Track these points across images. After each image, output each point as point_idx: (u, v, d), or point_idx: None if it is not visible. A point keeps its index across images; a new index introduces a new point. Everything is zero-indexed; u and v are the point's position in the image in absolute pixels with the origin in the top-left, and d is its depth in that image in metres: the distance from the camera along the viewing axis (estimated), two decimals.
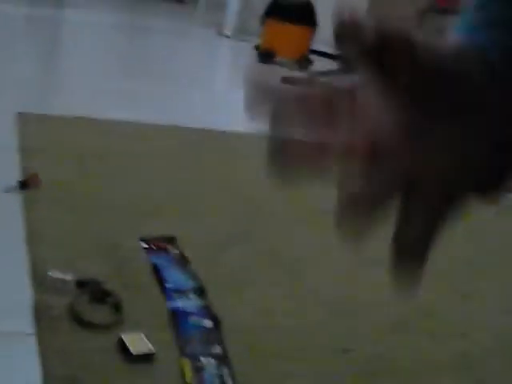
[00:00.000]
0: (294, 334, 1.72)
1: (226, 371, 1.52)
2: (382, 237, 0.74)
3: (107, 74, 4.24)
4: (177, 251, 1.98)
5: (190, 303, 1.72)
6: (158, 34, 6.13)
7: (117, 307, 1.66)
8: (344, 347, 1.71)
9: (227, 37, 6.27)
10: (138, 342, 1.51)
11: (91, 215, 2.16)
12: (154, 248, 1.96)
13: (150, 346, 1.52)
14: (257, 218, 2.39)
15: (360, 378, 1.61)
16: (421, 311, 1.96)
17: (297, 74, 5.07)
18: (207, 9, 7.57)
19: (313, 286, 1.99)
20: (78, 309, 1.62)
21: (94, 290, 1.70)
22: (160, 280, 1.81)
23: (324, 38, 5.90)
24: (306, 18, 5.36)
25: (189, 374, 1.48)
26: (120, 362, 1.48)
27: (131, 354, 1.49)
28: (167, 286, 1.78)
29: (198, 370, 1.50)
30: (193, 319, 1.66)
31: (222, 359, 1.55)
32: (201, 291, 1.78)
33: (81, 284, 1.72)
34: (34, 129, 2.77)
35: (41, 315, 1.59)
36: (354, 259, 2.18)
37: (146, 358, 1.50)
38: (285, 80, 4.86)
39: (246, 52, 5.58)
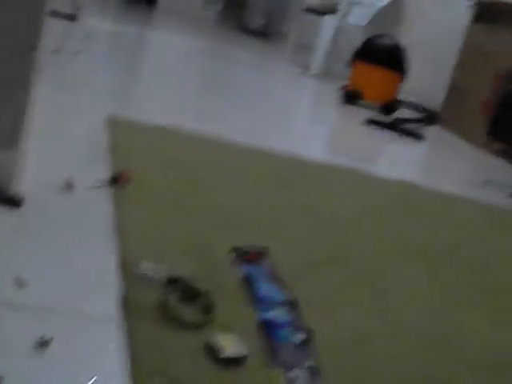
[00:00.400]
0: (387, 358, 1.63)
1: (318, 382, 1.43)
2: None
3: (192, 93, 4.25)
4: (269, 263, 1.91)
5: (281, 315, 1.65)
6: (244, 64, 6.16)
7: (208, 308, 1.60)
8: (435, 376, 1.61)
9: (312, 76, 6.26)
10: (230, 344, 1.44)
11: (181, 217, 2.12)
12: (247, 258, 1.89)
13: (243, 349, 1.45)
14: (349, 241, 2.31)
15: None
16: None
17: (381, 117, 5.00)
18: (295, 48, 7.59)
19: (406, 313, 1.89)
20: (168, 305, 1.56)
21: (186, 289, 1.64)
22: (251, 289, 1.74)
23: (411, 87, 5.84)
24: (396, 62, 5.30)
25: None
26: (209, 363, 1.41)
27: (220, 356, 1.42)
28: (259, 295, 1.71)
29: (291, 381, 1.42)
30: (284, 331, 1.58)
31: (315, 372, 1.46)
32: (293, 304, 1.71)
33: (172, 280, 1.66)
34: (122, 132, 2.76)
35: (130, 305, 1.53)
36: (445, 291, 2.08)
37: (237, 361, 1.43)
38: (368, 122, 4.80)
39: (330, 92, 5.54)
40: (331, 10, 6.60)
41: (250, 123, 3.79)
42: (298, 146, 3.54)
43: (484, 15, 5.44)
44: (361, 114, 5.06)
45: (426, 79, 6.13)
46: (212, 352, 1.43)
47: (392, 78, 5.45)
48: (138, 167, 2.38)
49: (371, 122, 4.86)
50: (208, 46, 6.66)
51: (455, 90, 5.61)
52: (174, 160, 2.63)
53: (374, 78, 5.41)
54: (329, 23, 6.63)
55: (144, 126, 2.96)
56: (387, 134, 4.69)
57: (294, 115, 4.68)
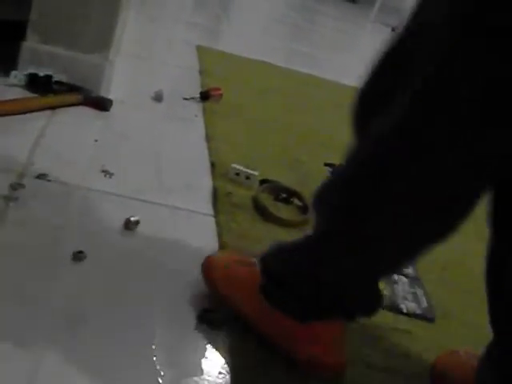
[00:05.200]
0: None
1: (419, 290, 1.33)
2: None
3: (280, 37, 4.16)
4: None
5: None
6: (330, 18, 6.03)
7: (303, 209, 1.51)
8: None
9: None
10: None
11: (271, 133, 2.03)
12: None
13: None
14: None
15: None
16: None
17: None
18: (383, 9, 7.40)
19: None
20: (263, 202, 1.48)
21: (280, 189, 1.56)
22: None
23: None
24: None
25: (382, 284, 1.31)
26: None
27: None
28: None
29: (391, 282, 1.32)
30: None
31: (415, 279, 1.37)
32: None
33: (265, 182, 1.58)
34: (213, 59, 2.70)
35: (222, 201, 1.46)
36: None
37: None
38: None
39: None
40: None
41: (337, 64, 3.68)
42: None
43: None
44: None
45: None
46: None
47: None
48: (228, 90, 2.30)
49: None
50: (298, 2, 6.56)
51: None
52: (263, 88, 2.55)
53: None
54: None
55: (234, 56, 2.88)
56: None
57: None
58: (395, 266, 1.03)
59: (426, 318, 1.27)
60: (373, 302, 1.05)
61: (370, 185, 0.90)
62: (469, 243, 1.53)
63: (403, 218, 0.90)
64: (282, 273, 1.05)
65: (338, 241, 0.97)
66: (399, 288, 1.32)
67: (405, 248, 0.94)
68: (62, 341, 0.95)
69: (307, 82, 2.86)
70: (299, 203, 1.54)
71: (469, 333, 1.28)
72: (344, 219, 0.95)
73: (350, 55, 4.27)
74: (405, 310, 1.26)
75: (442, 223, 0.91)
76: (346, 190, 0.94)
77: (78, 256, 1.14)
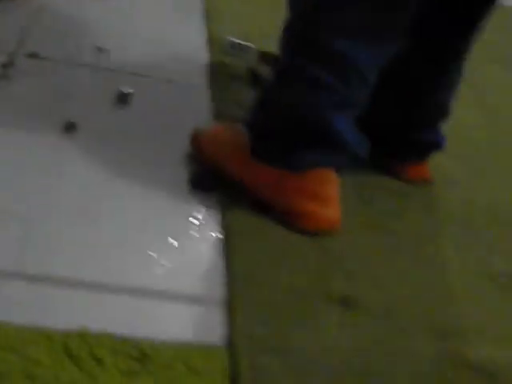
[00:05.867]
0: None
1: None
2: None
3: None
4: None
5: None
6: None
7: None
8: None
9: None
10: None
11: (273, 7, 1.98)
12: None
13: None
14: None
15: None
16: None
17: None
18: None
19: None
20: (257, 72, 1.46)
21: (275, 57, 1.53)
22: None
23: None
24: None
25: None
26: None
27: None
28: None
29: None
30: None
31: None
32: None
33: (264, 55, 1.55)
34: None
35: (217, 72, 1.45)
36: None
37: None
38: None
39: None
40: None
41: None
42: None
43: None
44: None
45: None
46: None
47: None
48: None
49: None
50: None
51: None
52: None
53: None
54: None
55: None
56: None
57: None
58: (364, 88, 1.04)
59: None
60: (357, 142, 1.07)
61: None
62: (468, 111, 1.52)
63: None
64: (265, 120, 1.08)
65: (306, 57, 1.01)
66: None
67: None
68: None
69: None
70: None
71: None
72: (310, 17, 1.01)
73: None
74: None
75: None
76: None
77: (70, 127, 1.14)
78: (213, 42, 1.59)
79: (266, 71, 1.49)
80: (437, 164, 1.32)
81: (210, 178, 1.07)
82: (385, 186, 1.25)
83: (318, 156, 1.06)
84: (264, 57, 1.54)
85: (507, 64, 2.07)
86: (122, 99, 1.27)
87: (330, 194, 1.07)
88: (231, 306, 0.84)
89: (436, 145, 1.26)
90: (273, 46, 1.61)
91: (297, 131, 1.04)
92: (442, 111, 1.23)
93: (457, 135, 1.49)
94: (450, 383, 0.85)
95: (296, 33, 1.04)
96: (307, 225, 1.05)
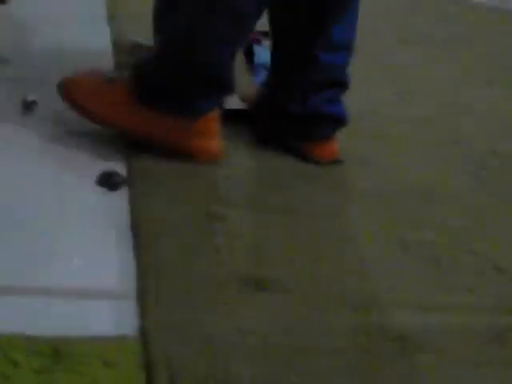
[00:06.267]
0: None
1: None
2: None
3: None
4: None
5: None
6: None
7: None
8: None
9: None
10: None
11: None
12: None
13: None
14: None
15: None
16: None
17: None
18: None
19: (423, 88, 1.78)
20: None
21: None
22: (250, 58, 1.66)
23: None
24: None
25: None
26: None
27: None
28: (256, 62, 1.63)
29: None
30: None
31: None
32: None
33: None
34: None
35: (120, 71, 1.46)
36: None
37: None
38: None
39: None
40: None
41: None
42: None
43: None
44: None
45: None
46: None
47: None
48: None
49: None
50: None
51: None
52: None
53: None
54: None
55: None
56: None
57: None
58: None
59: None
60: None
61: None
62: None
63: None
64: (160, 67, 1.17)
65: None
66: None
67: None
68: None
69: None
70: None
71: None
72: None
73: None
74: None
75: None
76: None
77: None
78: (117, 43, 1.60)
79: None
80: (348, 143, 1.35)
81: (117, 176, 1.08)
82: (295, 170, 1.28)
83: (211, 101, 1.18)
84: None
85: (422, 43, 2.14)
86: (28, 107, 1.26)
87: (214, 130, 1.20)
88: (143, 297, 0.86)
89: (338, 119, 1.30)
90: None
91: (190, 77, 1.15)
92: (335, 76, 1.28)
93: (369, 113, 1.54)
94: (368, 353, 0.88)
95: None
96: (199, 159, 1.19)
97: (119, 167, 1.12)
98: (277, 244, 1.05)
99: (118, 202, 1.05)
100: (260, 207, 1.14)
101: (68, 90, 1.18)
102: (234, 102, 1.35)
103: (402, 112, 1.62)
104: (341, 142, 1.33)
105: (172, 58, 1.16)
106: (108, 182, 1.07)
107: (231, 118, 1.31)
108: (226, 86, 1.18)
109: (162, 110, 1.16)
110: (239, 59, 1.64)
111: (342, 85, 1.29)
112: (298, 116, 1.28)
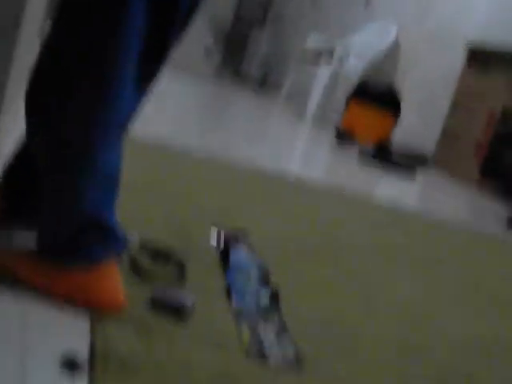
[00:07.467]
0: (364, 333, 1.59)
1: (286, 339, 1.39)
2: None
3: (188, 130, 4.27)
4: (247, 242, 1.89)
5: (247, 281, 1.62)
6: (240, 109, 6.21)
7: (180, 267, 1.57)
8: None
9: (307, 123, 6.31)
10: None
11: (154, 199, 2.10)
12: (225, 235, 1.87)
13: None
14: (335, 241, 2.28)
15: None
16: None
17: (373, 156, 5.00)
18: (290, 96, 7.67)
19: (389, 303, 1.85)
20: (139, 261, 1.53)
21: (157, 249, 1.62)
22: (225, 257, 1.72)
23: (403, 131, 5.85)
24: (389, 103, 5.35)
25: (246, 334, 1.37)
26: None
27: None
28: (231, 261, 1.69)
29: (258, 337, 1.38)
30: (249, 295, 1.55)
31: (282, 328, 1.43)
32: (264, 272, 1.68)
33: (144, 243, 1.64)
34: None
35: None
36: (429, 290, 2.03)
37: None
38: (362, 160, 4.81)
39: (324, 139, 5.55)
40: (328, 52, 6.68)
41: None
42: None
43: (476, 59, 5.52)
44: (354, 153, 5.07)
45: (418, 123, 6.18)
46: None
47: (385, 118, 5.50)
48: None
49: (365, 159, 4.88)
50: (207, 92, 6.73)
51: (448, 133, 5.65)
52: (156, 168, 2.62)
53: (367, 117, 5.47)
54: (324, 72, 6.72)
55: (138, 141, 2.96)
56: (380, 173, 4.69)
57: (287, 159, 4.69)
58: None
59: (293, 366, 1.31)
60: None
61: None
62: (346, 302, 1.61)
63: None
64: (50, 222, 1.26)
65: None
66: (266, 337, 1.37)
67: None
68: None
69: (203, 159, 2.96)
70: (177, 260, 1.59)
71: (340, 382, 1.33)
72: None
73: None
74: (273, 359, 1.31)
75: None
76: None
77: None
78: None
79: (146, 260, 1.56)
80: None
81: (79, 359, 1.09)
82: None
83: (100, 248, 1.25)
84: (145, 245, 1.62)
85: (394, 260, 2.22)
86: None
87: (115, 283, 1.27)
88: None
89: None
90: (154, 235, 1.72)
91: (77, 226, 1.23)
92: None
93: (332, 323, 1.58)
94: None
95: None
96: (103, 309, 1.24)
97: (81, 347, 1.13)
98: None
99: None
100: None
101: None
102: None
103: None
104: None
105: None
106: (70, 366, 1.08)
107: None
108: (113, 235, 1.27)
109: (61, 262, 1.24)
110: (214, 260, 1.72)
111: None
112: None
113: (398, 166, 4.89)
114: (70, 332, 1.19)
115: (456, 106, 5.60)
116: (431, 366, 1.52)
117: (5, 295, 1.24)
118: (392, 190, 4.25)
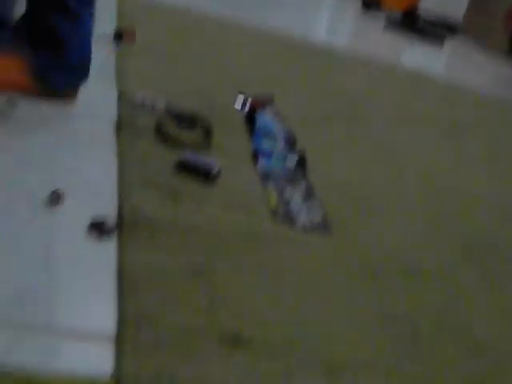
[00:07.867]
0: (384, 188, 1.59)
1: (313, 204, 1.39)
2: None
3: None
4: (273, 108, 1.86)
5: (273, 145, 1.61)
6: None
7: (206, 132, 1.55)
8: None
9: None
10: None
11: (183, 70, 2.06)
12: (251, 102, 1.84)
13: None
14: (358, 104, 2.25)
15: None
16: None
17: (401, 23, 4.86)
18: None
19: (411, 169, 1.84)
20: (165, 126, 1.52)
21: (185, 114, 1.60)
22: (252, 123, 1.70)
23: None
24: None
25: (273, 199, 1.36)
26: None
27: None
28: (257, 127, 1.67)
29: (285, 199, 1.38)
30: (275, 158, 1.54)
31: (309, 191, 1.43)
32: (290, 138, 1.66)
33: (170, 109, 1.62)
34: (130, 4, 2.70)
35: (125, 127, 1.49)
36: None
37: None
38: (387, 26, 4.68)
39: (351, 5, 5.39)
40: None
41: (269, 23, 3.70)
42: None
43: None
44: (381, 21, 4.93)
45: None
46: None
47: None
48: (144, 32, 2.31)
49: (392, 27, 4.74)
50: None
51: (479, 1, 5.45)
52: (181, 30, 2.57)
53: None
54: None
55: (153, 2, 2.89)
56: (407, 40, 4.57)
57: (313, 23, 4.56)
58: None
59: (322, 229, 1.32)
60: None
61: None
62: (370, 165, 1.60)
63: None
64: None
65: None
66: (293, 201, 1.37)
67: None
68: None
69: (231, 28, 2.89)
70: (204, 125, 1.57)
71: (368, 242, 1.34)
72: None
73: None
74: (300, 223, 1.31)
75: None
76: None
77: None
78: (122, 98, 1.64)
79: (172, 126, 1.55)
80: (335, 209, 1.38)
81: (107, 223, 1.10)
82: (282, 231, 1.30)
83: None
84: (170, 112, 1.60)
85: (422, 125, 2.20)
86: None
87: None
88: (121, 344, 0.87)
89: None
90: (186, 103, 1.70)
91: None
92: None
93: (358, 182, 1.58)
94: None
95: None
96: None
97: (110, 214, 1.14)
98: (260, 302, 1.07)
99: (108, 249, 1.07)
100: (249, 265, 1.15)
101: None
102: None
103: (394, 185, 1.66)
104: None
105: None
106: (99, 229, 1.09)
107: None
108: None
109: None
110: (239, 125, 1.70)
111: None
112: None
113: (425, 34, 4.76)
114: (98, 198, 1.20)
115: None
116: (457, 234, 1.52)
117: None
118: (419, 58, 4.15)
